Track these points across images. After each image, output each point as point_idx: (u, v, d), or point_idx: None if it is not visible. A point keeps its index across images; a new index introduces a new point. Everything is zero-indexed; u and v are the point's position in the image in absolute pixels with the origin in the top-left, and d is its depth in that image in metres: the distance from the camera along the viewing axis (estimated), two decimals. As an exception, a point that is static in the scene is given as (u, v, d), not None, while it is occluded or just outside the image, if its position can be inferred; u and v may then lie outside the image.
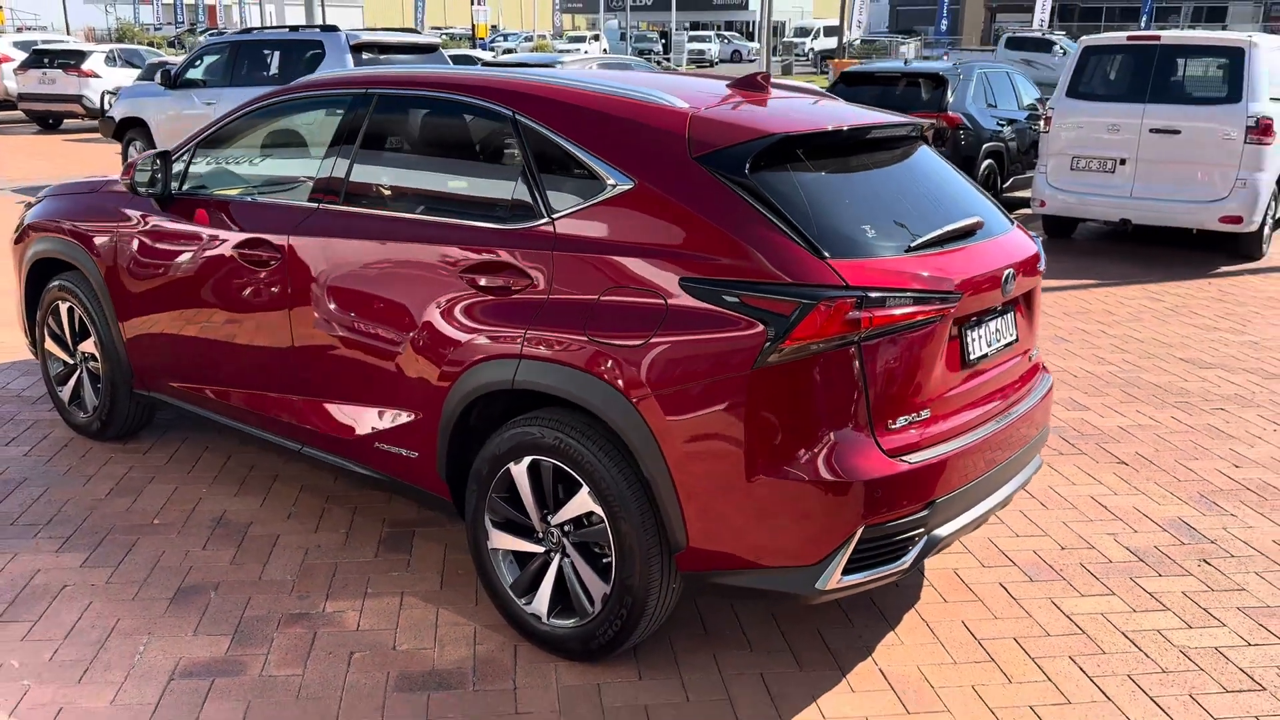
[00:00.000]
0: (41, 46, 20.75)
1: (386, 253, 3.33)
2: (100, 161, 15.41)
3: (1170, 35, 9.25)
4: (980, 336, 3.00)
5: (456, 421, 3.18)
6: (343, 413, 3.52)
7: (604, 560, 2.96)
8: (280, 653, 3.10)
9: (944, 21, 43.53)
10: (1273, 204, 8.95)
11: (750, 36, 65.12)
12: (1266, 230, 9.11)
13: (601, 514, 2.88)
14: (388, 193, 3.53)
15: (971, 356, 2.96)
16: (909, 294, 2.69)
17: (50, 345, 4.67)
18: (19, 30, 45.92)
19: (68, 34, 47.02)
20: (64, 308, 4.52)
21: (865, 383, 2.64)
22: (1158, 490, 4.33)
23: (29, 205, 4.80)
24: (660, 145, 2.90)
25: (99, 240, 4.25)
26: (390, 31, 11.81)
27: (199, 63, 11.96)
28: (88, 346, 4.46)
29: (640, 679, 3.02)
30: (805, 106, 3.29)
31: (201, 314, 3.89)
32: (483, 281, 3.08)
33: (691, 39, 54.03)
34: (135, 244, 4.10)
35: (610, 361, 2.78)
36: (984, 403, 3.03)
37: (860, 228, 2.81)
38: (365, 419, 3.45)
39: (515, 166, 3.17)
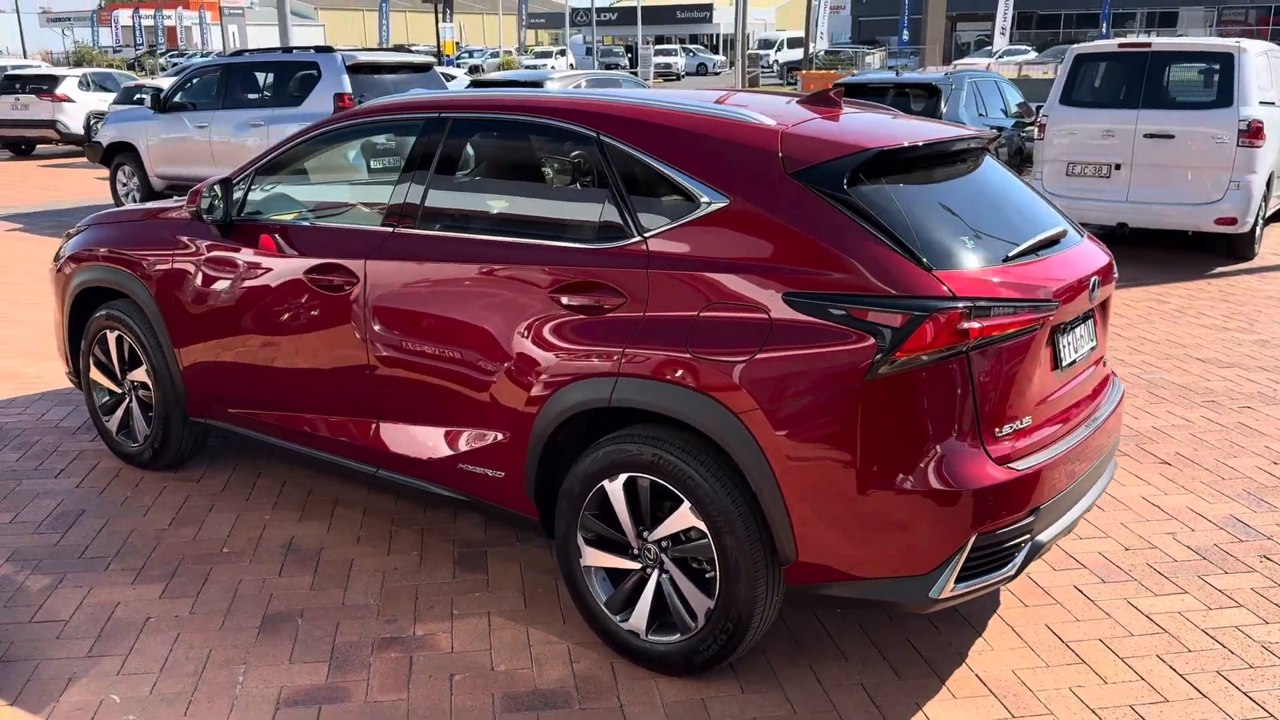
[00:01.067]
0: (13, 72, 20.51)
1: (469, 275, 3.35)
2: (81, 186, 15.25)
3: (1161, 42, 9.46)
4: (1070, 343, 3.06)
5: (547, 441, 3.20)
6: (424, 435, 3.52)
7: (706, 575, 2.99)
8: (381, 678, 3.10)
9: (905, 31, 44.11)
10: (1263, 205, 9.18)
11: (715, 49, 65.63)
12: (1258, 230, 9.33)
13: (704, 529, 2.91)
14: (467, 216, 3.55)
15: (1064, 363, 3.02)
16: (1013, 303, 2.75)
17: (96, 375, 4.62)
18: (-25, 55, 45.29)
19: (25, 57, 46.42)
20: (111, 337, 4.48)
21: (973, 392, 2.70)
22: (1205, 489, 4.42)
23: (69, 235, 4.76)
24: (754, 162, 2.94)
25: (153, 268, 4.22)
26: (384, 52, 11.79)
27: (188, 85, 11.87)
28: (138, 375, 4.42)
29: (743, 693, 3.04)
30: (883, 121, 3.35)
31: (268, 339, 3.88)
32: (572, 301, 3.10)
33: (658, 52, 54.36)
34: (194, 271, 4.08)
35: (715, 377, 2.82)
36: (1075, 409, 3.10)
37: (958, 239, 2.87)
38: (448, 441, 3.46)
39: (601, 187, 3.19)
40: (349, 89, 10.48)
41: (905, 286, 2.66)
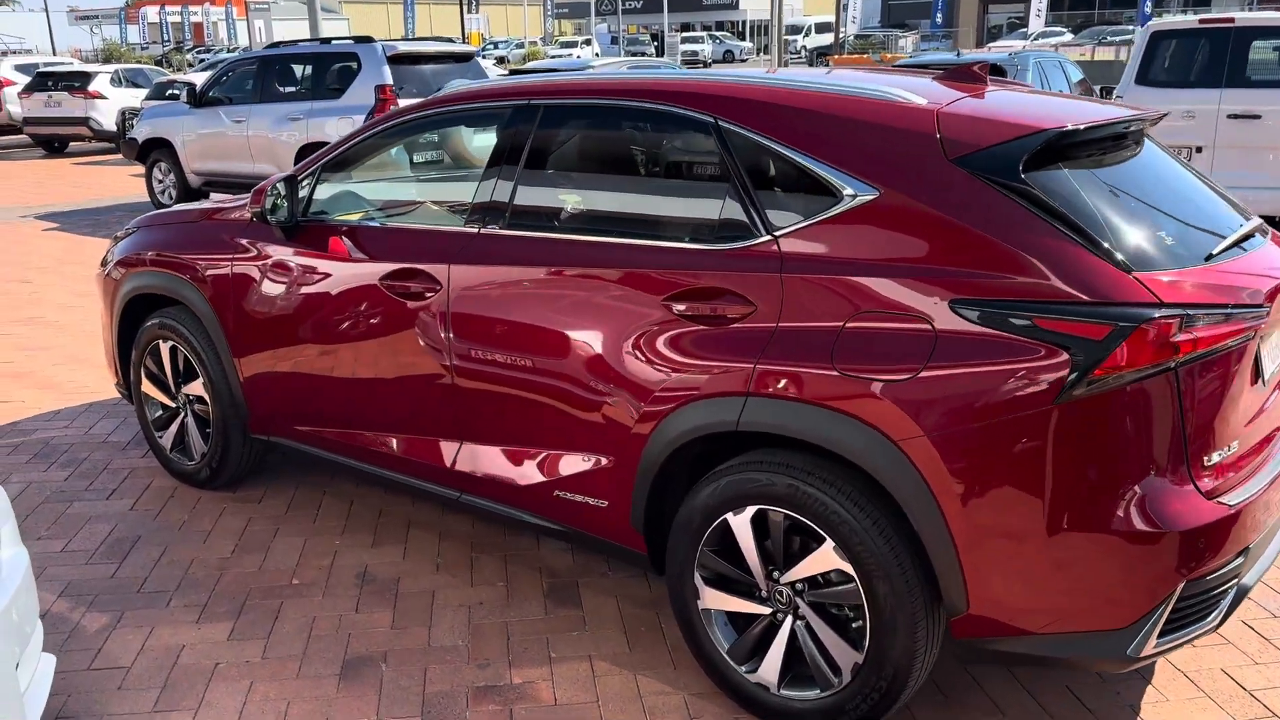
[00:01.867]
0: (45, 69, 20.33)
1: (567, 281, 2.98)
2: (116, 184, 15.05)
3: (1244, 17, 8.95)
4: (1268, 354, 2.66)
5: (660, 468, 2.84)
6: (515, 458, 3.17)
7: (852, 624, 2.62)
8: (481, 736, 2.76)
9: (939, 14, 43.31)
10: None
11: (741, 36, 64.89)
12: (1349, 215, 8.83)
13: (850, 572, 2.53)
14: (563, 215, 3.19)
15: (1266, 376, 2.62)
16: (1226, 310, 2.35)
17: (148, 387, 4.30)
18: (3, 54, 45.39)
19: (54, 55, 46.53)
20: (165, 347, 4.16)
21: (1181, 415, 2.30)
22: (1362, 505, 4.00)
23: (117, 238, 4.44)
24: (907, 147, 2.56)
25: (209, 273, 3.89)
26: (425, 41, 11.46)
27: (224, 79, 11.59)
28: (194, 389, 4.10)
29: (892, 753, 2.67)
30: (1039, 99, 2.96)
31: (337, 351, 3.54)
32: (690, 310, 2.73)
33: (685, 40, 53.73)
34: (255, 276, 3.74)
35: (869, 398, 2.44)
36: (1277, 431, 2.70)
37: (1154, 234, 2.48)
38: (543, 465, 3.11)
39: (720, 180, 2.82)
40: (390, 80, 10.15)
41: (1104, 292, 2.27)
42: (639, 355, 2.82)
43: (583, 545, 3.27)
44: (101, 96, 19.14)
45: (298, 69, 11.19)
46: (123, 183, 15.20)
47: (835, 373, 2.48)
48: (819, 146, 2.65)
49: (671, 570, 2.88)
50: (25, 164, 18.30)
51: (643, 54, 48.63)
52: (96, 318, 4.57)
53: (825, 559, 2.57)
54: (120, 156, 16.25)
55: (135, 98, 18.93)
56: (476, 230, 3.21)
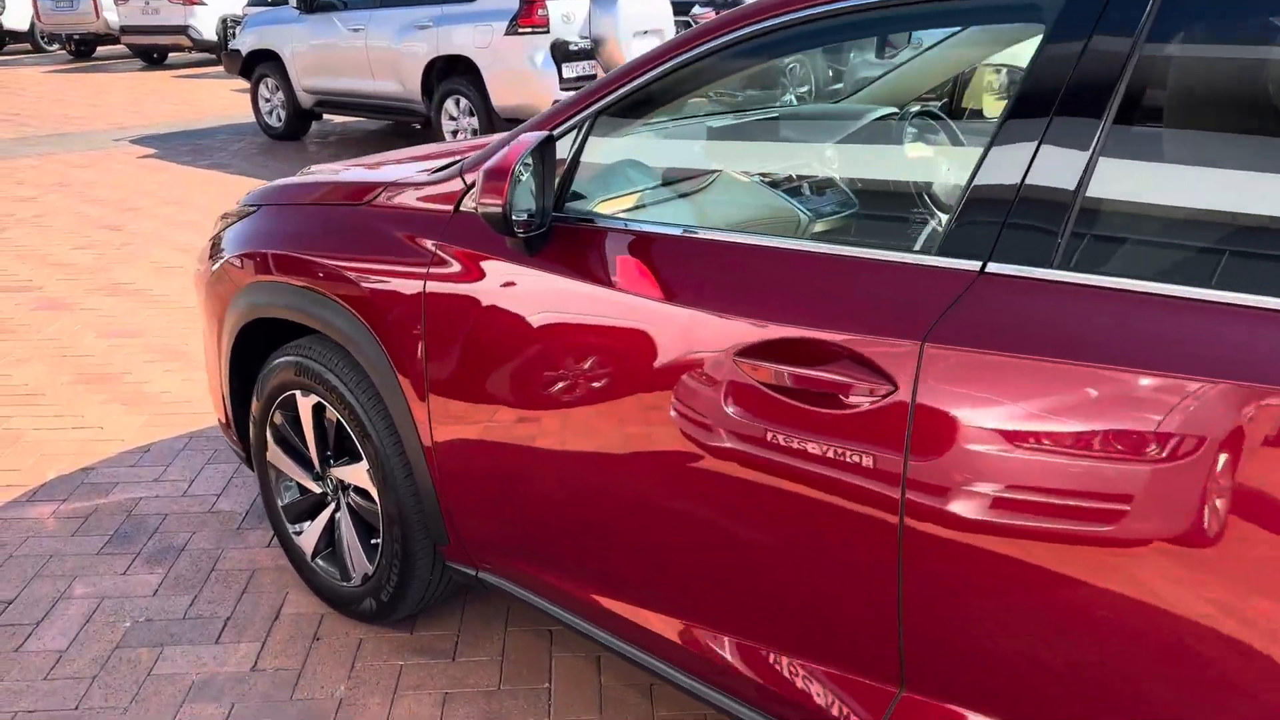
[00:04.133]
0: (142, -29, 18.94)
1: (1250, 410, 1.27)
2: (218, 101, 13.64)
3: None
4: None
5: None
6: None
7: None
8: None
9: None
10: None
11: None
12: None
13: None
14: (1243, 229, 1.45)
15: None
16: None
17: (277, 456, 2.75)
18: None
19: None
20: (304, 402, 2.58)
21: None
22: None
23: (225, 219, 2.86)
24: None
25: (381, 293, 2.26)
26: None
27: (339, -21, 9.94)
28: (354, 475, 2.53)
29: None
30: None
31: (632, 466, 1.89)
32: None
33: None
34: (467, 309, 2.10)
35: None
36: None
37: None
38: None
39: None
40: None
41: None
42: None
43: None
44: (200, 2, 17.67)
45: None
46: (225, 100, 13.80)
47: None
48: None
49: None
50: (123, 77, 17.04)
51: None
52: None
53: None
54: (224, 70, 14.86)
55: (237, 3, 17.42)
56: (977, 269, 1.51)
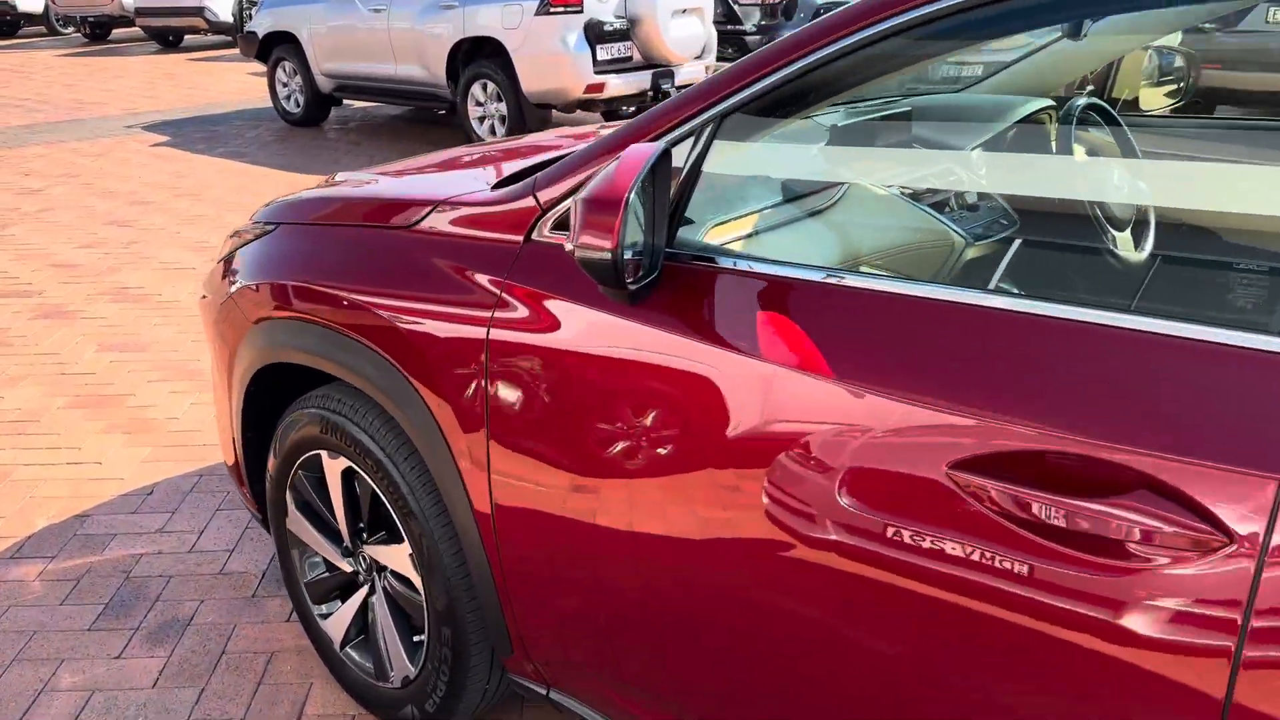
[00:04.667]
0: (156, -48, 18.47)
1: None
2: (234, 85, 13.18)
3: None
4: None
5: None
6: None
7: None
8: None
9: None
10: None
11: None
12: None
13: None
14: None
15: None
16: None
17: (298, 524, 2.29)
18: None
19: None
20: (335, 466, 2.11)
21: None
22: None
23: (238, 238, 2.37)
24: None
25: (433, 341, 1.78)
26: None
27: (359, -42, 9.43)
28: (392, 557, 2.06)
29: None
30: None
31: (788, 588, 1.40)
32: None
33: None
34: (553, 366, 1.61)
35: None
36: None
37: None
38: None
39: None
40: (572, -45, 7.86)
41: None
42: None
43: None
44: (217, -16, 17.22)
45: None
46: (241, 84, 13.34)
47: None
48: None
49: None
50: (137, 60, 16.59)
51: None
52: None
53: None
54: (240, 53, 14.40)
55: (253, -15, 16.98)
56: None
